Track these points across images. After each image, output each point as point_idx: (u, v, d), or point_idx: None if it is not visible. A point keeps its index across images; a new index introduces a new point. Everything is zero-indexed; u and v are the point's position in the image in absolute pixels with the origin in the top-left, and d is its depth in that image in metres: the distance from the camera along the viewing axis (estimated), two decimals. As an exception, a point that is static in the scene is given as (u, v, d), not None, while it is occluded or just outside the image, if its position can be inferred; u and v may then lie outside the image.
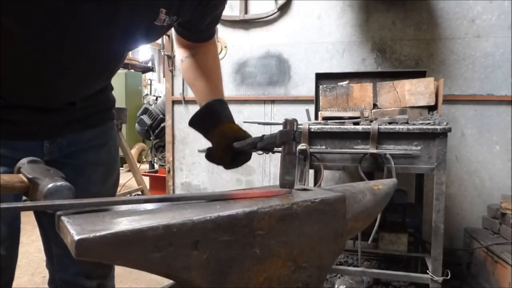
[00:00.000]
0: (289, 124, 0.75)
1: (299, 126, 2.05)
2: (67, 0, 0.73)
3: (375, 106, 2.36)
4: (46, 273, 1.19)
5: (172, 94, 3.40)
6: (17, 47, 0.79)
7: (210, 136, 1.00)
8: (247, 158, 1.00)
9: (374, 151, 1.90)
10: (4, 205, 0.55)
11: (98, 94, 1.03)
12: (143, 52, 11.46)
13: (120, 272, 2.62)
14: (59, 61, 0.83)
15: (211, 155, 1.01)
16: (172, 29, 1.07)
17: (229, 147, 0.96)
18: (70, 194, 0.62)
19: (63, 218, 0.56)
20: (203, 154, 1.03)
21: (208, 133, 1.00)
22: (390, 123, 1.99)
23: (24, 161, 0.70)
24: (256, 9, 3.11)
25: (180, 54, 1.13)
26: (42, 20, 0.75)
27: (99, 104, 1.06)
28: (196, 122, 1.03)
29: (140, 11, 0.82)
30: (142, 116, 4.71)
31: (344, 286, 2.31)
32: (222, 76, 1.15)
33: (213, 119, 1.00)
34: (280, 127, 0.78)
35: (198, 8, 0.94)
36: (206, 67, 1.10)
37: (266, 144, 0.80)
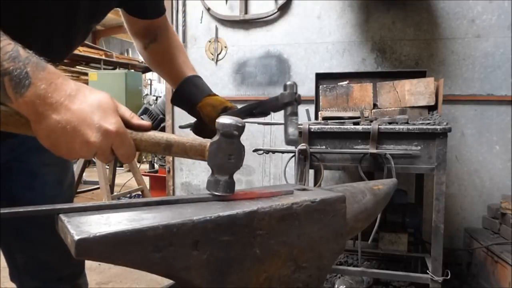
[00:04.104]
0: (289, 86, 0.78)
1: (299, 126, 2.05)
2: None
3: (375, 106, 2.35)
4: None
5: (172, 94, 3.40)
6: None
7: (196, 110, 0.98)
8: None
9: (374, 151, 1.90)
10: (4, 210, 0.55)
11: None
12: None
13: (120, 272, 2.62)
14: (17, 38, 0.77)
15: (200, 128, 0.99)
16: (123, 19, 1.06)
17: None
18: None
19: (63, 218, 0.56)
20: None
21: (193, 108, 0.99)
22: (390, 123, 1.99)
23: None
24: (256, 9, 3.11)
25: (140, 44, 1.11)
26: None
27: None
28: (179, 99, 1.01)
29: None
30: (142, 116, 4.71)
31: (344, 286, 2.31)
32: (187, 53, 1.13)
33: (196, 93, 0.99)
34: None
35: None
36: (171, 48, 1.08)
37: (265, 109, 0.82)
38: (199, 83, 1.01)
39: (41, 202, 0.64)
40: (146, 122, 0.70)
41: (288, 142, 0.78)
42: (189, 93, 1.00)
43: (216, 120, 0.70)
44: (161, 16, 1.09)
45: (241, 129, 0.70)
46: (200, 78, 1.03)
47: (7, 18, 0.72)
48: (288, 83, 0.79)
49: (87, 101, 0.62)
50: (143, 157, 7.02)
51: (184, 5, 3.29)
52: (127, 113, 0.68)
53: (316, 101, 2.63)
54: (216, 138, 0.70)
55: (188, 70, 1.05)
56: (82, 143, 0.61)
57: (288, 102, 0.78)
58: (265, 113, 0.85)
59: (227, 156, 0.69)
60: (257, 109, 0.81)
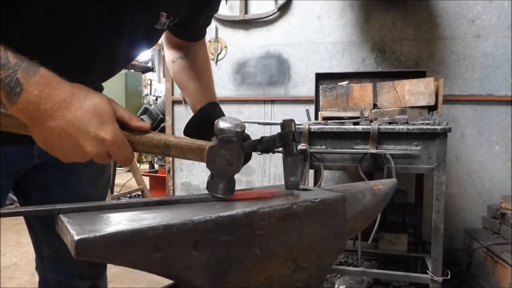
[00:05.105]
0: (287, 125, 0.75)
1: (299, 126, 2.05)
2: (72, 7, 0.73)
3: (375, 106, 2.35)
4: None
5: (172, 94, 3.40)
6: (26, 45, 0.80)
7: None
8: (249, 158, 0.98)
9: (374, 151, 1.90)
10: (4, 211, 0.55)
11: None
12: (143, 52, 11.46)
13: (120, 272, 2.62)
14: (61, 64, 0.84)
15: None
16: None
17: None
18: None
19: (63, 218, 0.56)
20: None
21: (204, 139, 1.00)
22: (390, 123, 1.99)
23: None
24: (256, 9, 3.11)
25: (171, 55, 1.12)
26: (50, 26, 0.74)
27: None
28: (190, 131, 1.01)
29: (142, 17, 0.83)
30: (142, 116, 4.71)
31: (344, 286, 2.31)
32: (213, 77, 1.14)
33: (207, 124, 0.96)
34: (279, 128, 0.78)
35: (194, 7, 0.95)
36: (199, 67, 1.09)
37: (265, 146, 0.80)
38: (211, 114, 0.99)
39: (74, 200, 0.65)
40: (145, 123, 0.70)
41: (288, 187, 0.77)
42: (199, 126, 0.99)
43: (215, 123, 0.69)
44: (200, 40, 1.11)
45: (240, 134, 0.69)
46: (214, 105, 1.01)
47: (49, 47, 0.74)
48: (285, 121, 0.75)
49: (82, 107, 0.61)
50: (143, 157, 7.02)
51: (184, 5, 3.28)
52: (126, 114, 0.68)
53: (316, 101, 2.63)
54: (214, 142, 0.70)
55: (205, 94, 1.04)
56: (78, 151, 0.62)
57: (285, 144, 0.76)
58: (266, 151, 0.84)
59: (226, 160, 0.69)
60: (259, 146, 0.80)
